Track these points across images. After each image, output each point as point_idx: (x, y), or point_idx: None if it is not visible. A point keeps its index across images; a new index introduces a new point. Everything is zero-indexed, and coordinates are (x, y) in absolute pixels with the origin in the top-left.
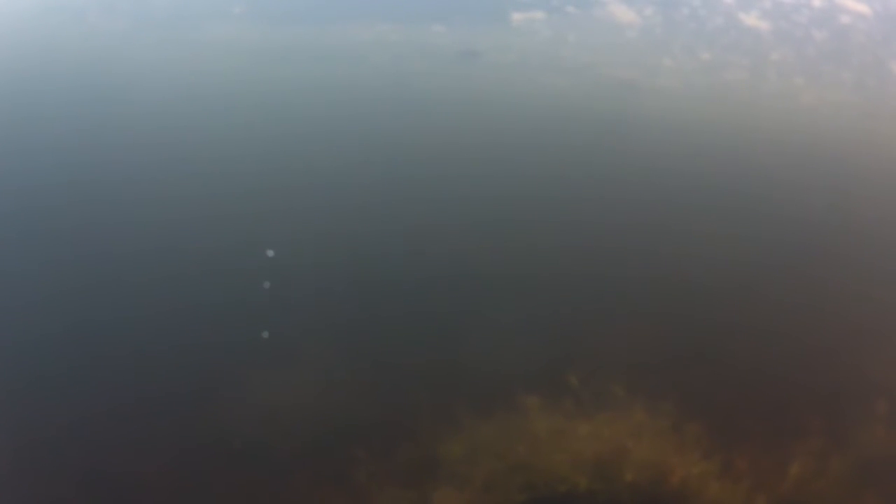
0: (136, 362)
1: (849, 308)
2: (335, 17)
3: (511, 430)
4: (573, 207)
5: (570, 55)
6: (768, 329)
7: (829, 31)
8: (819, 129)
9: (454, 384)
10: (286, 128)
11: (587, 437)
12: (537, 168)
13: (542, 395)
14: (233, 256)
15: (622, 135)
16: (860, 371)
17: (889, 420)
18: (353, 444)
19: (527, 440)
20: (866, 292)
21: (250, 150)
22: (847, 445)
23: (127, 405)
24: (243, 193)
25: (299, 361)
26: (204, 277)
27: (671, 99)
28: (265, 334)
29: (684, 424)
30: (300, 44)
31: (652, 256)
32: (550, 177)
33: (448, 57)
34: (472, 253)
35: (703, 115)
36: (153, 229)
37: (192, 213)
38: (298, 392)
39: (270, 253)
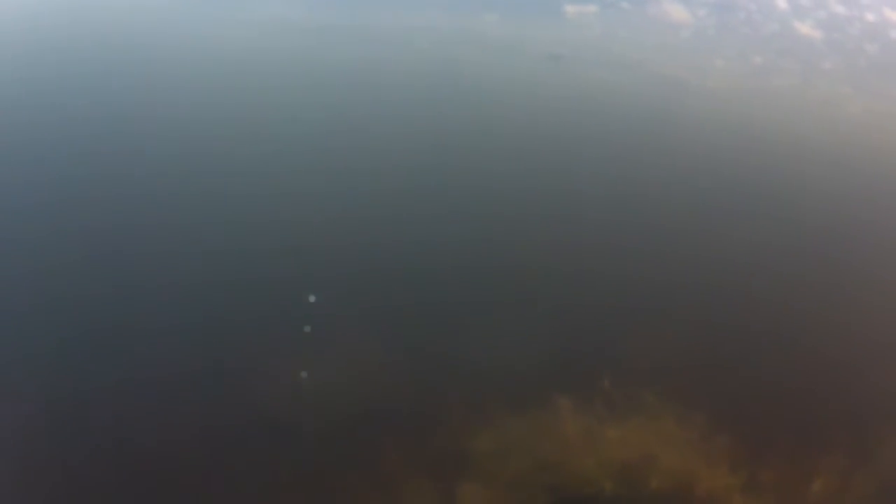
0: (173, 335)
1: (880, 325)
2: (387, 1)
3: (541, 430)
4: (612, 206)
5: (621, 51)
6: (800, 342)
7: (880, 45)
8: (864, 139)
9: (488, 379)
10: (327, 108)
11: (616, 442)
12: (576, 163)
13: (574, 397)
14: (275, 236)
15: (667, 134)
16: (886, 387)
17: None
18: (383, 431)
19: (556, 440)
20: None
21: (292, 128)
22: (870, 461)
23: (159, 377)
24: (285, 173)
25: (336, 345)
26: (244, 256)
27: (719, 100)
28: (307, 328)
29: (712, 435)
30: (346, 26)
31: (689, 260)
32: (588, 172)
33: (494, 46)
34: (511, 248)
35: (750, 119)
36: (196, 207)
37: (239, 189)
38: (333, 376)
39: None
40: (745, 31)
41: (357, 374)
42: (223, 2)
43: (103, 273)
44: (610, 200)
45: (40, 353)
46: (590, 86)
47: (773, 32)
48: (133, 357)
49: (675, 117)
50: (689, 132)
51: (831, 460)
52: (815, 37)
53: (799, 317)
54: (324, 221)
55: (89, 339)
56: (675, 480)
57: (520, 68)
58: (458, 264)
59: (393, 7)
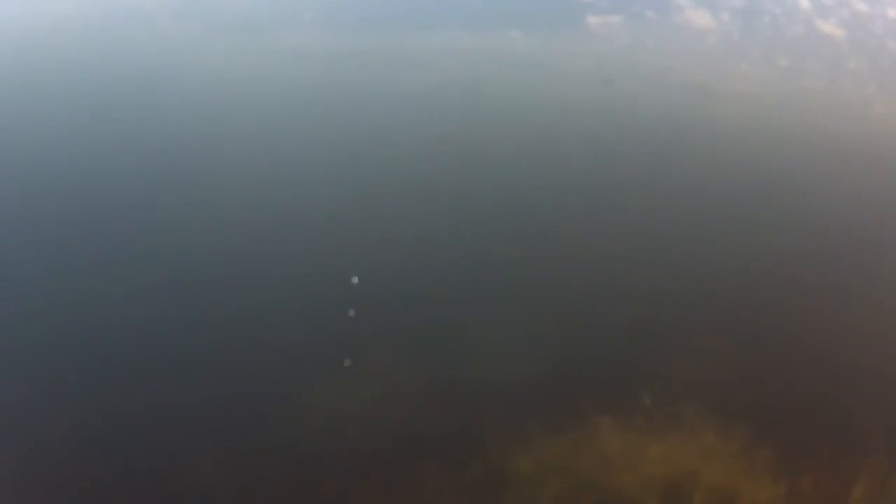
0: (206, 362)
1: None
2: (408, 23)
3: (582, 449)
4: (641, 216)
5: (648, 60)
6: (835, 349)
7: None
8: (893, 139)
9: (526, 399)
10: (355, 132)
11: (658, 459)
12: (606, 174)
13: (614, 414)
14: (308, 262)
15: (695, 141)
16: None
17: None
18: (421, 456)
19: (597, 459)
20: None
21: (319, 154)
22: None
23: (195, 405)
24: (314, 200)
25: (370, 370)
26: (274, 283)
27: (747, 104)
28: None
29: (753, 447)
30: (371, 50)
31: (721, 269)
32: (617, 184)
33: (521, 63)
34: (542, 264)
35: (778, 122)
36: (226, 230)
37: (270, 216)
38: (368, 400)
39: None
40: (769, 33)
41: (391, 398)
42: (248, 32)
43: (135, 301)
44: (639, 210)
45: (69, 379)
46: (619, 96)
47: (797, 34)
48: (165, 383)
49: (703, 123)
50: (718, 138)
51: (871, 465)
52: (838, 36)
53: (833, 325)
54: (355, 246)
55: (119, 367)
56: (718, 495)
57: (548, 83)
58: (490, 284)
59: (416, 29)
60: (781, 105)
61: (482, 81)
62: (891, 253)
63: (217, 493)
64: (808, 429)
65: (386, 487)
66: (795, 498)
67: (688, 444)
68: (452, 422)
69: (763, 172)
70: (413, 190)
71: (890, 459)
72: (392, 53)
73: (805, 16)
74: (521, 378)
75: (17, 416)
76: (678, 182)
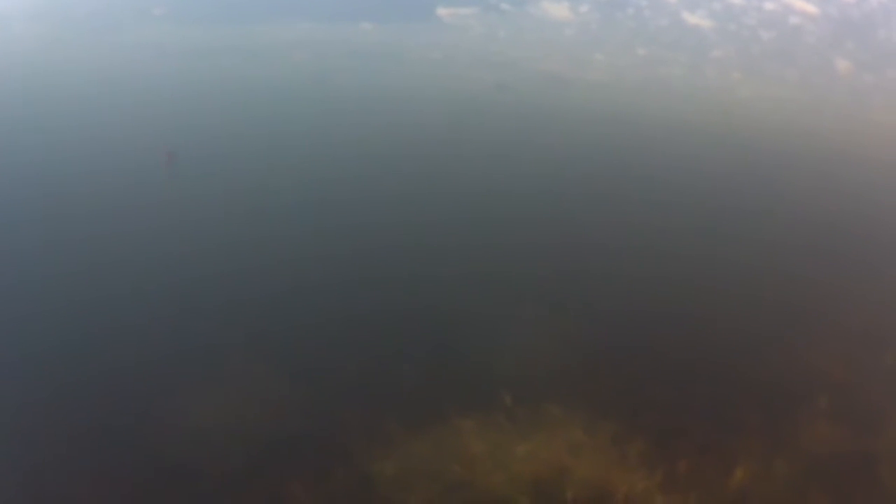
0: (61, 387)
1: (784, 295)
2: (257, 17)
3: (445, 451)
4: (490, 203)
5: (500, 51)
6: (703, 321)
7: (778, 32)
8: (754, 120)
9: (385, 402)
10: (209, 126)
11: (525, 457)
12: (453, 163)
13: (475, 415)
14: (164, 271)
15: (543, 126)
16: (797, 366)
17: (830, 414)
18: (286, 466)
19: (462, 460)
20: (802, 278)
21: (175, 149)
22: (789, 443)
23: (56, 431)
24: (169, 197)
25: (229, 377)
26: (128, 295)
27: (600, 92)
28: None
29: (624, 437)
30: (221, 44)
31: (573, 251)
32: (463, 171)
33: (370, 54)
34: (391, 257)
35: (633, 108)
36: (81, 244)
37: (121, 225)
38: (230, 410)
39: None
40: (630, 26)
41: (254, 408)
42: (103, 30)
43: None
44: (484, 196)
45: None
46: (469, 86)
47: (661, 26)
48: (41, 409)
49: (555, 110)
50: (570, 123)
51: (750, 445)
52: (705, 27)
53: (700, 296)
54: (203, 249)
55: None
56: (591, 489)
57: (395, 75)
58: (338, 280)
59: (266, 23)
60: (638, 91)
61: (331, 72)
62: (750, 223)
63: None
64: (680, 413)
65: (251, 501)
66: (672, 484)
67: (554, 440)
68: (313, 430)
69: (609, 154)
70: (264, 187)
71: (770, 438)
72: (242, 47)
73: (672, 9)
74: (377, 381)
75: None
76: (527, 167)
